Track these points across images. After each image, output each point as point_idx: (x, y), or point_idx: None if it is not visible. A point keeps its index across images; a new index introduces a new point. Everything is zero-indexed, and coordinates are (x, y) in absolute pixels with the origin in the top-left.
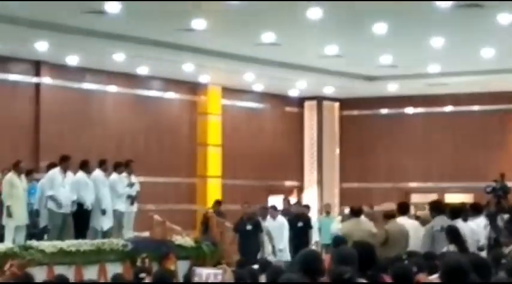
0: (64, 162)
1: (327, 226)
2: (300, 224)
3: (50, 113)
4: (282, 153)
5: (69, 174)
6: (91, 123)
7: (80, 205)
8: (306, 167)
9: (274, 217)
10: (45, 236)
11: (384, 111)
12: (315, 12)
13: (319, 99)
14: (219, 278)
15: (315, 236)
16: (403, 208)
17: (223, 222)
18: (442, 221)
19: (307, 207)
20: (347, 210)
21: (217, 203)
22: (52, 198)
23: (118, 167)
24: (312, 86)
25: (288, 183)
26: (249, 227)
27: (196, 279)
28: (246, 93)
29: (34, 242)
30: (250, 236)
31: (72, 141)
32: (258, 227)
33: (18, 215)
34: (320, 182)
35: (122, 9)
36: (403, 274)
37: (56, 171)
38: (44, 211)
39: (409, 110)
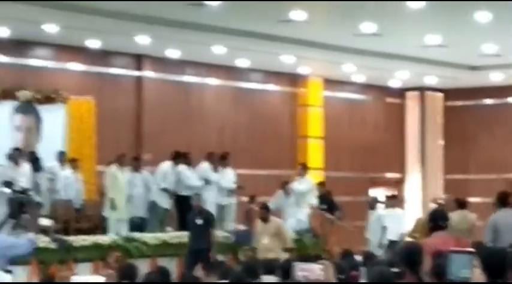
0: (178, 158)
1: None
2: None
3: (151, 106)
4: (383, 145)
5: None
6: (192, 116)
7: (182, 197)
8: (409, 159)
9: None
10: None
11: (488, 101)
12: (416, 2)
13: (422, 90)
14: (322, 274)
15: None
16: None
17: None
18: (505, 213)
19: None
20: (441, 199)
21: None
22: (166, 191)
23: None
24: (414, 77)
25: (390, 175)
26: (199, 221)
27: (298, 274)
28: (347, 84)
29: (137, 234)
30: (200, 232)
31: (174, 134)
32: (209, 223)
33: (121, 208)
34: (423, 174)
35: (222, 2)
36: None
37: (168, 165)
38: (145, 203)
39: None
